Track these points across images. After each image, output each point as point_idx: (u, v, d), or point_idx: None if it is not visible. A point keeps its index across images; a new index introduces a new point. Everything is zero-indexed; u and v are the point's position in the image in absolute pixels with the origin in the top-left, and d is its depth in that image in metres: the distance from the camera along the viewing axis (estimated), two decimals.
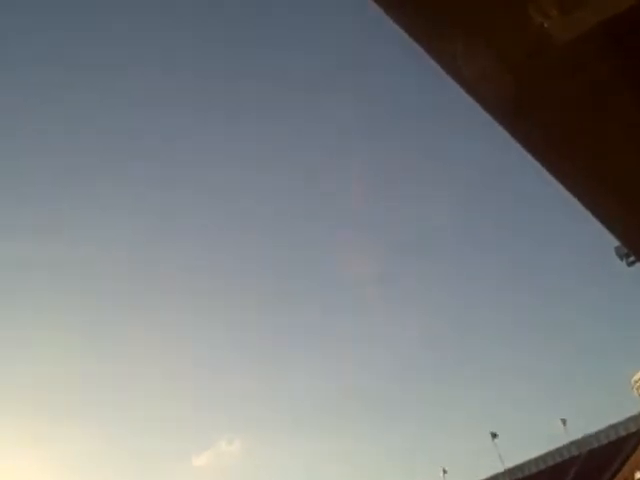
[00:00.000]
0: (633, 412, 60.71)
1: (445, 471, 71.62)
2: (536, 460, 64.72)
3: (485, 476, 67.68)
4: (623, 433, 60.74)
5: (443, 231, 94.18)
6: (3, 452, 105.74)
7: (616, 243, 17.81)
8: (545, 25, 3.92)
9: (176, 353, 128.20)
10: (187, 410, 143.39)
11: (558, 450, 63.67)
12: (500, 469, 66.78)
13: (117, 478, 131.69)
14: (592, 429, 62.82)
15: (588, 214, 6.18)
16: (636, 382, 58.90)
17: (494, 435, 68.24)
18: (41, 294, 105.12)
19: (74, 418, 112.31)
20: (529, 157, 5.39)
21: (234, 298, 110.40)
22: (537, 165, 5.45)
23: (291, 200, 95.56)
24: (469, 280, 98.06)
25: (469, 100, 4.72)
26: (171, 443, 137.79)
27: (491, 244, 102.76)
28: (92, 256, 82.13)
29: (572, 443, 63.22)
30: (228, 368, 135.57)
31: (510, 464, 66.10)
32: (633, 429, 59.98)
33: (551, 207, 70.07)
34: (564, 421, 64.61)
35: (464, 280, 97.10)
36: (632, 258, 22.39)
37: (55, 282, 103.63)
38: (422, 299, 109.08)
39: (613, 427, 61.11)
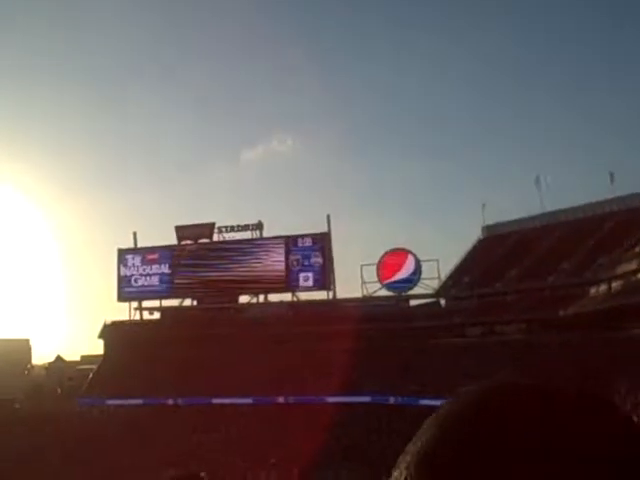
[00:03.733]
0: None
1: (484, 206, 74.18)
2: (575, 209, 66.26)
3: (525, 215, 69.74)
4: None
5: None
6: None
7: None
8: None
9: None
10: (240, 95, 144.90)
11: (600, 203, 64.76)
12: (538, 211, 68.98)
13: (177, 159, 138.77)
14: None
15: None
16: None
17: (538, 180, 69.32)
18: None
19: None
20: None
21: None
22: None
23: None
24: None
25: None
26: (218, 133, 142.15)
27: None
28: None
29: (616, 198, 64.03)
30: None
31: (550, 209, 68.03)
32: None
33: None
34: (612, 175, 65.00)
35: None
36: None
37: None
38: None
39: None
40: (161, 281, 78.37)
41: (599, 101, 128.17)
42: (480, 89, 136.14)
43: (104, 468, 51.51)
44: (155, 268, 78.81)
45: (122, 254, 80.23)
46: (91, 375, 72.85)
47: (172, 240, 78.95)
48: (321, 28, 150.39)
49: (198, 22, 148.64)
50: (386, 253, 70.00)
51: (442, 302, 69.59)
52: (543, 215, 68.14)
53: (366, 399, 57.13)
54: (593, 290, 58.17)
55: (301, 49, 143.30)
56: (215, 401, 61.91)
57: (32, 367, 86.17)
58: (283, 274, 73.82)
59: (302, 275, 73.16)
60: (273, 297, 75.83)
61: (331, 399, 58.18)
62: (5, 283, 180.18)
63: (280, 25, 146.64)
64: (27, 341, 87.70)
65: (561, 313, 56.60)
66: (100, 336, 77.31)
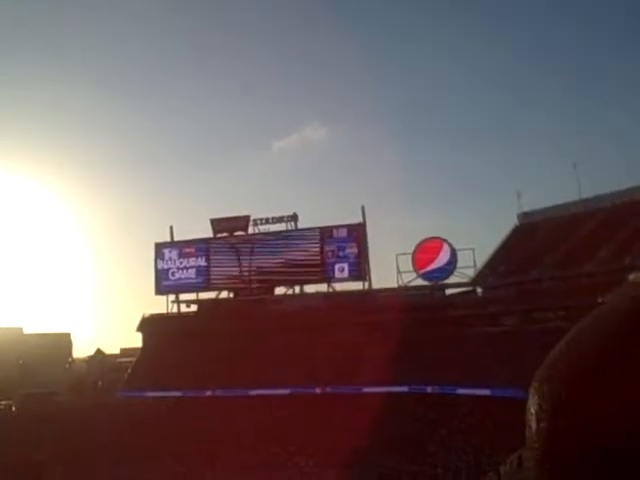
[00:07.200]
0: None
1: (520, 195, 73.24)
2: (613, 195, 64.92)
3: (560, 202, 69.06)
4: None
5: None
6: None
7: None
8: None
9: None
10: (273, 84, 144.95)
11: (637, 188, 63.28)
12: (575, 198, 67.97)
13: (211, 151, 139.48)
14: None
15: None
16: None
17: (575, 167, 68.39)
18: None
19: None
20: None
21: None
22: None
23: None
24: None
25: None
26: (251, 123, 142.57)
27: None
28: None
29: None
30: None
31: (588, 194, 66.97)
32: None
33: None
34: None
35: None
36: None
37: None
38: None
39: None
40: (198, 274, 79.14)
41: (634, 87, 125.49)
42: (516, 75, 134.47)
43: (143, 457, 52.49)
44: (192, 261, 79.62)
45: (159, 248, 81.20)
46: (130, 368, 73.99)
47: (208, 233, 79.70)
48: (355, 16, 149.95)
49: (231, 9, 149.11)
50: (421, 242, 69.73)
51: (479, 291, 69.13)
52: (579, 201, 67.09)
53: (404, 389, 57.14)
54: (632, 276, 57.12)
55: (334, 37, 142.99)
56: (253, 392, 62.46)
57: (73, 360, 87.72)
58: (318, 265, 74.01)
59: (337, 266, 73.24)
60: (309, 288, 76.08)
61: (368, 389, 58.32)
62: (46, 279, 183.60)
63: (313, 13, 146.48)
64: (68, 335, 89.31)
65: (600, 299, 55.52)
66: (138, 329, 78.43)
